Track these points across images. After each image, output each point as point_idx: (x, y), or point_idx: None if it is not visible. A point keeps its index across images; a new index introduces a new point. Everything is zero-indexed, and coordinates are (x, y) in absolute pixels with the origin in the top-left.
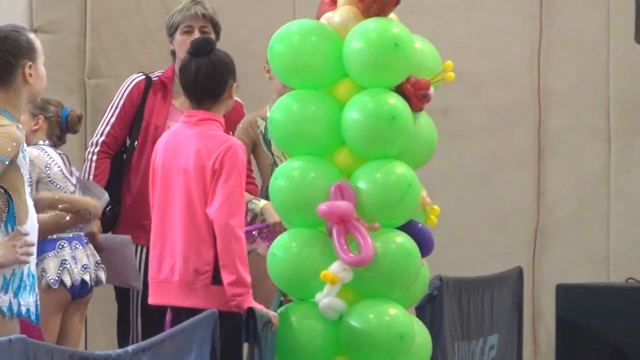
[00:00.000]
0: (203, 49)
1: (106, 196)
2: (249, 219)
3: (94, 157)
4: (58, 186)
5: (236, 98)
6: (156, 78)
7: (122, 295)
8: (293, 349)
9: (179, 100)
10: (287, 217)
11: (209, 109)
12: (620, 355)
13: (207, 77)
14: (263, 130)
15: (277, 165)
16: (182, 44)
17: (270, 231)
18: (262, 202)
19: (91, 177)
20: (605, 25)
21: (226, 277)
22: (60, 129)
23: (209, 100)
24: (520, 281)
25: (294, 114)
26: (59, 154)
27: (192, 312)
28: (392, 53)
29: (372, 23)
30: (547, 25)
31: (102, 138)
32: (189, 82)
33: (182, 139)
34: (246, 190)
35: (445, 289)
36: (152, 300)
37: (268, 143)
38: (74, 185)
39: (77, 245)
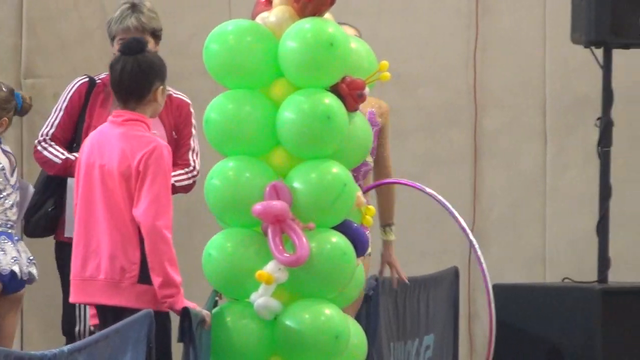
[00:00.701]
0: (132, 49)
1: (31, 188)
2: None
3: (48, 144)
4: None
5: (182, 97)
6: (99, 81)
7: (67, 289)
8: (228, 349)
9: None
10: (222, 217)
11: (134, 109)
12: (557, 354)
13: (131, 77)
14: None
15: None
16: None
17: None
18: None
19: (65, 154)
20: (542, 25)
21: (155, 279)
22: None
23: (133, 100)
24: (456, 281)
25: (229, 114)
26: (7, 152)
27: (118, 311)
28: (327, 53)
29: (307, 23)
30: (483, 24)
31: (47, 138)
32: (114, 80)
33: (107, 139)
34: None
35: (381, 289)
36: (74, 298)
37: None
38: (12, 187)
39: (5, 240)
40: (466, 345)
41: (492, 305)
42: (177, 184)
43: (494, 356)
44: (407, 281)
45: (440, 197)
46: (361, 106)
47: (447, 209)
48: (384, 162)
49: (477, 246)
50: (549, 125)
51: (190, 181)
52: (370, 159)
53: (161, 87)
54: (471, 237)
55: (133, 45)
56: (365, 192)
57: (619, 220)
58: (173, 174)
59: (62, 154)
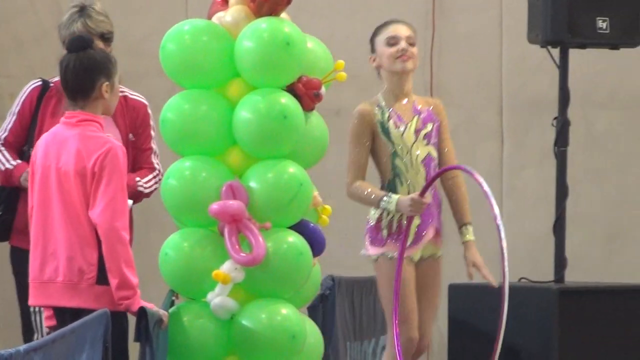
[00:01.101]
0: (76, 47)
1: None
2: (374, 218)
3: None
4: None
5: (139, 98)
6: (52, 84)
7: (23, 295)
8: (185, 349)
9: None
10: (178, 217)
11: (84, 108)
12: (512, 354)
13: (74, 74)
14: (380, 119)
15: (398, 156)
16: None
17: (403, 231)
18: (395, 198)
19: (7, 164)
20: (498, 24)
21: (112, 281)
22: None
23: (80, 98)
24: None
25: (186, 113)
26: None
27: (76, 312)
28: (283, 52)
29: (263, 22)
30: (439, 24)
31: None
32: (61, 79)
33: (62, 140)
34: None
35: (337, 289)
36: (33, 301)
37: (387, 132)
38: None
39: None
40: None
41: (505, 306)
42: (147, 190)
43: (449, 355)
44: (495, 285)
45: (487, 188)
46: (420, 105)
47: (489, 201)
48: (449, 156)
49: (504, 245)
50: (505, 124)
51: (158, 185)
52: (435, 153)
53: (106, 83)
54: (503, 235)
55: (76, 42)
56: (427, 188)
57: (575, 220)
58: (144, 181)
59: (8, 161)
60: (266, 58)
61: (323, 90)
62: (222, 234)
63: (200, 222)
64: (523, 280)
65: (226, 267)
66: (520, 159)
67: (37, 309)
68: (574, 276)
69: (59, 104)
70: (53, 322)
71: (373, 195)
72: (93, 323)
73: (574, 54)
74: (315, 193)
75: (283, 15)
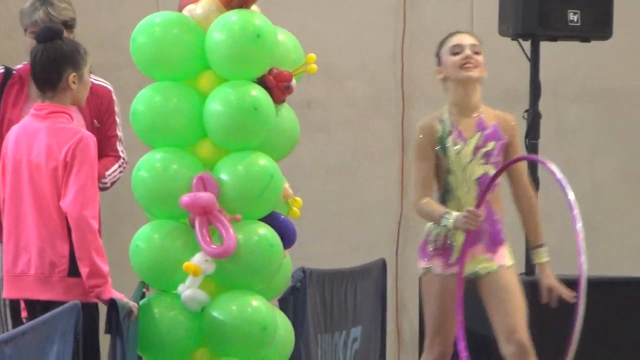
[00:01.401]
0: (44, 37)
1: None
2: (426, 231)
3: None
4: None
5: (103, 83)
6: (15, 72)
7: None
8: (155, 341)
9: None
10: (149, 209)
11: (52, 99)
12: (483, 345)
13: (40, 65)
14: (441, 134)
15: (451, 172)
16: (32, 44)
17: (447, 248)
18: (454, 215)
19: None
20: (469, 17)
21: (83, 269)
22: None
23: (48, 89)
24: (384, 273)
25: (156, 106)
26: None
27: (47, 305)
28: (254, 45)
29: (234, 15)
30: (410, 17)
31: None
32: (31, 70)
33: (32, 133)
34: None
35: (308, 281)
36: (6, 294)
37: (444, 147)
38: None
39: None
40: (393, 337)
41: (582, 302)
42: (112, 180)
43: (420, 348)
44: (572, 297)
45: (560, 176)
46: (486, 118)
47: (565, 191)
48: (520, 177)
49: (581, 236)
50: None
51: (122, 174)
52: (493, 171)
53: (73, 74)
54: (579, 225)
55: (45, 33)
56: (496, 178)
57: (546, 213)
58: (109, 171)
59: None
60: (237, 50)
61: (294, 82)
62: (192, 226)
63: (171, 214)
64: None
65: (197, 259)
66: None
67: (5, 302)
68: None
69: (21, 92)
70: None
71: (437, 213)
72: (64, 315)
73: (545, 46)
74: (286, 185)
75: (254, 7)
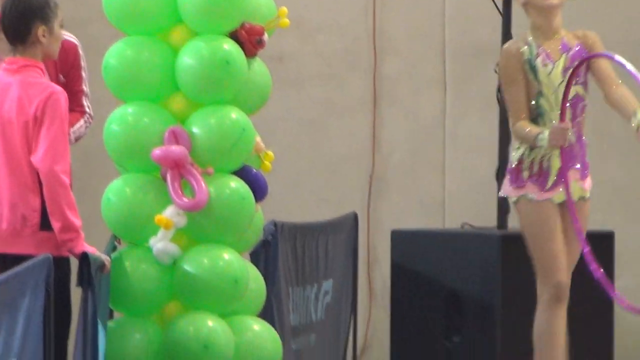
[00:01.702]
0: None
1: None
2: (516, 159)
3: None
4: None
5: (69, 37)
6: None
7: None
8: (127, 294)
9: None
10: (121, 162)
11: (23, 53)
12: (455, 299)
13: (10, 19)
14: (528, 56)
15: (543, 95)
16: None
17: (543, 174)
18: (547, 133)
19: None
20: None
21: (55, 224)
22: None
23: (18, 43)
24: (355, 227)
25: (128, 59)
26: None
27: (19, 258)
28: None
29: None
30: None
31: None
32: (1, 24)
33: (3, 87)
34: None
35: (279, 235)
36: None
37: (535, 70)
38: None
39: None
40: (365, 290)
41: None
42: (77, 136)
43: (392, 301)
44: None
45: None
46: (568, 40)
47: (636, 78)
48: (606, 73)
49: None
50: (448, 72)
51: (88, 129)
52: (582, 92)
53: (43, 27)
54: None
55: None
56: (567, 94)
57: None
58: (74, 127)
59: None
60: (208, 4)
61: (266, 36)
62: (164, 180)
63: (143, 167)
64: (465, 225)
65: (169, 212)
66: (463, 106)
67: None
68: (516, 222)
69: None
70: None
71: (531, 134)
72: (35, 268)
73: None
74: (258, 139)
75: None
